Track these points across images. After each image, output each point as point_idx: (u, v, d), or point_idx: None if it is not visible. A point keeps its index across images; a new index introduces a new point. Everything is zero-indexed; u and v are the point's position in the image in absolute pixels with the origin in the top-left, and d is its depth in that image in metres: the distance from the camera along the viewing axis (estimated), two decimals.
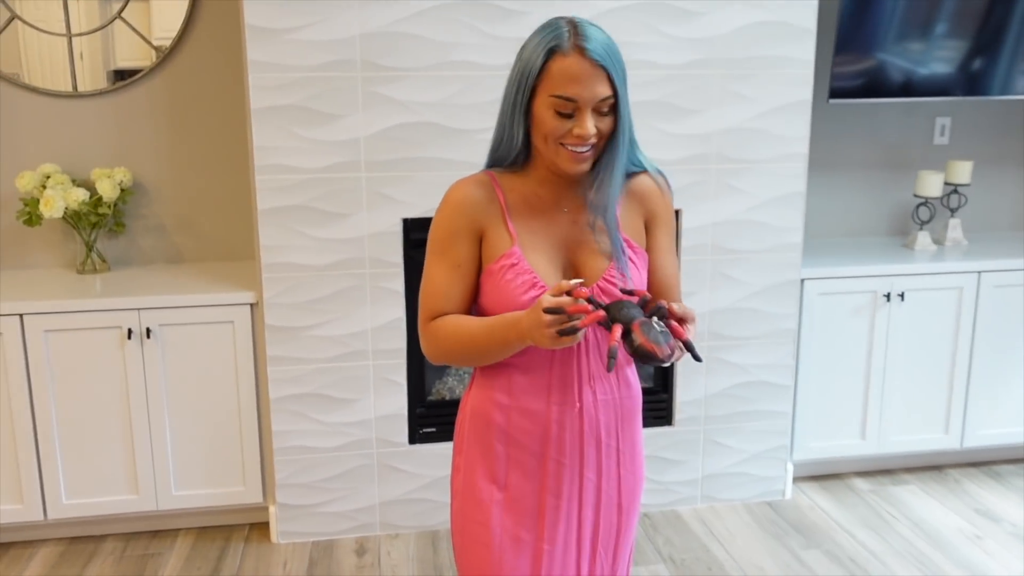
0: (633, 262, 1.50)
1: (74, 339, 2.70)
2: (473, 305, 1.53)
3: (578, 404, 1.49)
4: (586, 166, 1.43)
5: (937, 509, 3.13)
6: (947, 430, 3.29)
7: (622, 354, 1.54)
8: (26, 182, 2.87)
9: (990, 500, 3.20)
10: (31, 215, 2.88)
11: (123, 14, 2.96)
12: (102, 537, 2.94)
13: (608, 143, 1.44)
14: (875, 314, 3.14)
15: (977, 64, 3.23)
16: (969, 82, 3.25)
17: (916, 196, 3.37)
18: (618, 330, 1.24)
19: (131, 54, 3.02)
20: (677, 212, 2.89)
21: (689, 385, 3.03)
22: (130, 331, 2.70)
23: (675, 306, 1.32)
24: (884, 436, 3.25)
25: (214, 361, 2.79)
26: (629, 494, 1.61)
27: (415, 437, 2.92)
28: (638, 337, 1.23)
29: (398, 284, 2.78)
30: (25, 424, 2.72)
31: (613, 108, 1.41)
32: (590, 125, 1.38)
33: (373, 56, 2.61)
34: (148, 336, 2.72)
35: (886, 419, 3.24)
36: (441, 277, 1.48)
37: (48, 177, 2.91)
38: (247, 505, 2.95)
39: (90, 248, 3.01)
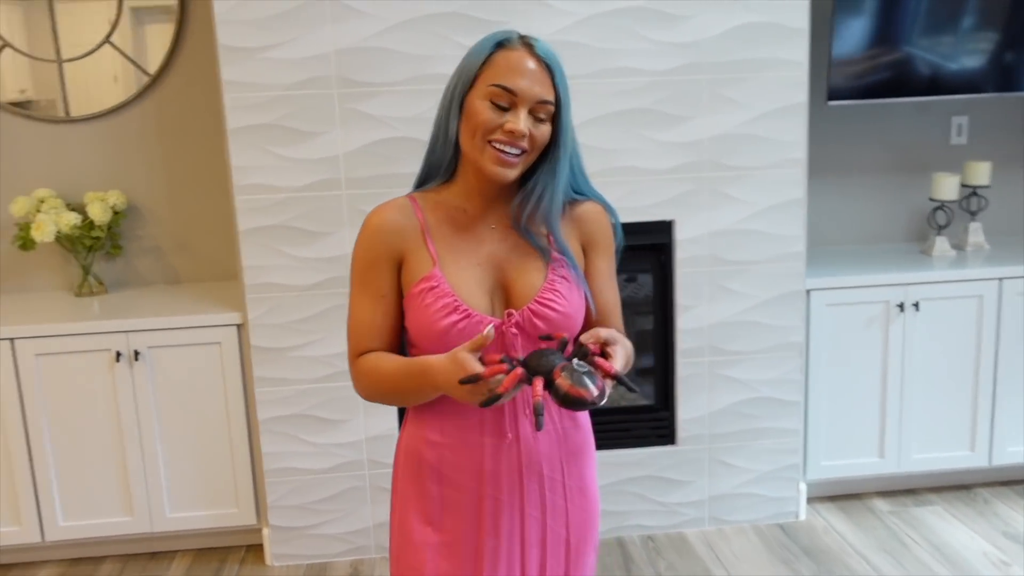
0: (567, 279, 1.42)
1: (65, 362, 2.72)
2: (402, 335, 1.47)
3: (509, 435, 1.41)
4: (511, 173, 1.34)
5: (962, 532, 2.95)
6: (973, 447, 3.11)
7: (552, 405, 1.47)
8: (19, 207, 2.91)
9: (1021, 522, 3.00)
10: (25, 240, 2.92)
11: (111, 39, 2.99)
12: (101, 559, 2.95)
13: (545, 157, 1.38)
14: (889, 325, 2.98)
15: (1009, 58, 3.05)
16: (996, 78, 3.06)
17: (932, 200, 3.20)
18: (539, 383, 1.16)
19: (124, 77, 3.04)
20: (670, 223, 2.79)
21: (691, 402, 2.91)
22: (119, 354, 2.71)
23: (599, 333, 1.24)
24: (905, 454, 3.08)
25: (203, 383, 2.78)
26: (579, 530, 1.51)
27: None
28: (562, 385, 1.14)
29: None
30: (20, 447, 2.74)
31: (553, 120, 1.35)
32: (524, 122, 1.31)
33: (348, 72, 2.58)
34: (136, 359, 2.72)
35: (906, 436, 3.07)
36: (365, 310, 1.41)
37: (43, 202, 2.95)
38: (241, 527, 2.93)
39: (87, 271, 3.04)
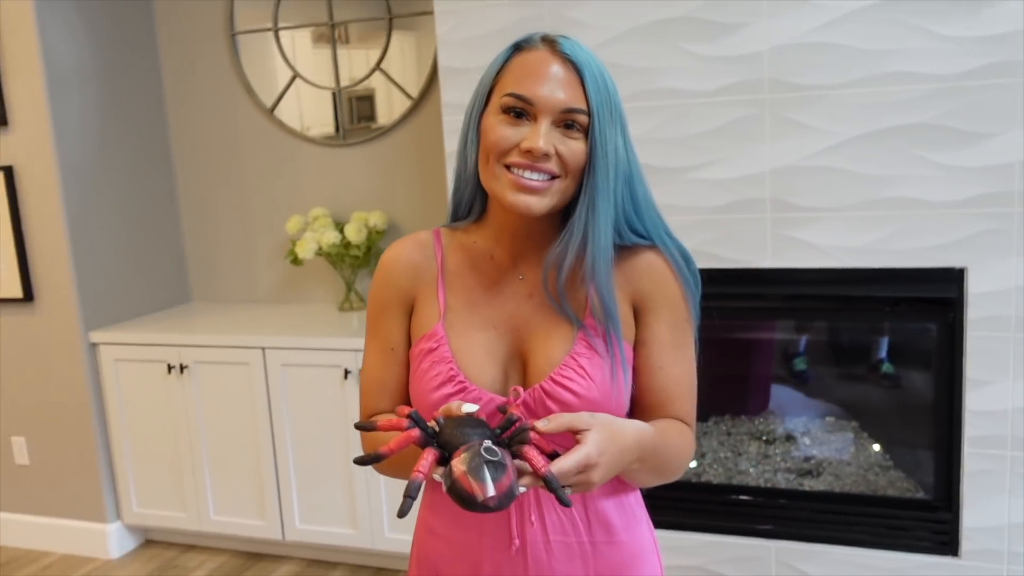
0: (596, 352, 1.09)
1: (304, 375, 2.85)
2: None
3: (516, 542, 1.11)
4: (535, 202, 1.05)
5: None
6: None
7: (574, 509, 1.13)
8: (293, 224, 3.12)
9: None
10: (294, 256, 3.13)
11: (381, 66, 3.09)
12: (334, 565, 3.05)
13: (585, 182, 1.07)
14: None
15: None
16: None
17: None
18: (430, 457, 0.88)
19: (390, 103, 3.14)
20: (960, 272, 2.15)
21: (983, 506, 2.22)
22: (347, 372, 2.77)
23: (561, 418, 0.94)
24: None
25: None
26: None
27: None
28: (455, 469, 0.86)
29: None
30: (267, 449, 2.94)
31: (587, 133, 1.06)
32: (544, 138, 1.03)
33: None
34: None
35: None
36: (374, 364, 1.20)
37: (316, 220, 3.14)
38: None
39: (349, 287, 3.18)
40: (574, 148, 1.05)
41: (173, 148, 3.44)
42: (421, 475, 0.86)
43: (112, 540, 3.18)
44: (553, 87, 1.04)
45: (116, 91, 3.20)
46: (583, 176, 1.07)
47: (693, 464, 2.61)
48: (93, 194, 3.11)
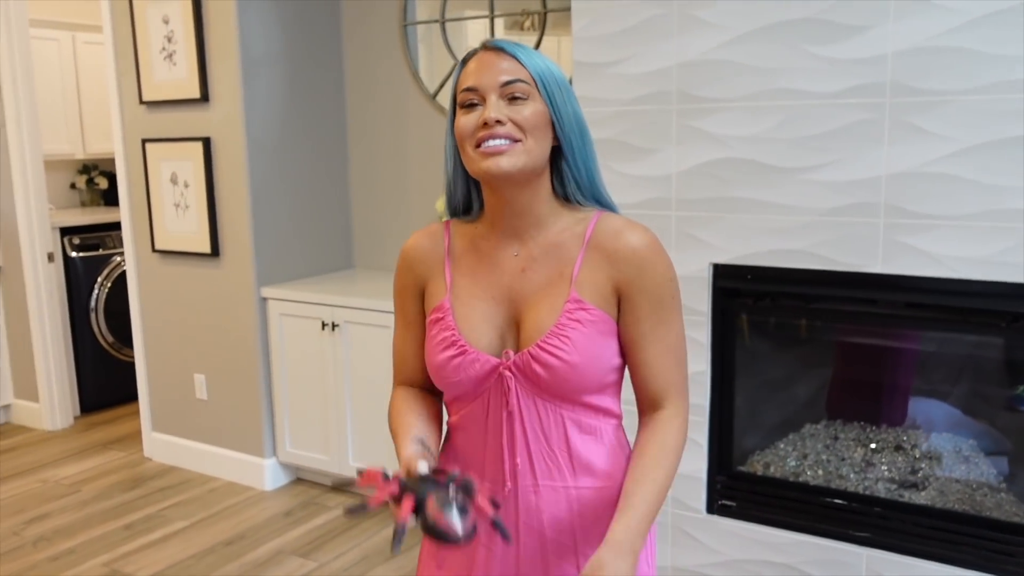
0: (580, 323, 1.22)
1: None
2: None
3: (508, 484, 1.27)
4: (504, 160, 1.20)
5: None
6: None
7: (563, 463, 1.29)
8: (440, 204, 3.38)
9: None
10: None
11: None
12: None
13: (559, 133, 1.25)
14: None
15: None
16: None
17: None
18: (409, 503, 1.09)
19: None
20: None
21: None
22: None
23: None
24: None
25: None
26: None
27: (713, 506, 2.62)
28: (432, 513, 1.08)
29: (703, 335, 2.53)
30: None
31: (548, 99, 1.24)
32: (493, 109, 1.21)
33: (689, 87, 2.43)
34: None
35: None
36: (400, 337, 1.39)
37: None
38: None
39: None
40: (524, 112, 1.21)
41: (349, 128, 3.80)
42: (404, 520, 1.08)
43: (268, 474, 3.59)
44: (491, 71, 1.21)
45: (301, 74, 3.58)
46: (547, 138, 1.23)
47: (792, 463, 2.62)
48: (274, 166, 3.51)
